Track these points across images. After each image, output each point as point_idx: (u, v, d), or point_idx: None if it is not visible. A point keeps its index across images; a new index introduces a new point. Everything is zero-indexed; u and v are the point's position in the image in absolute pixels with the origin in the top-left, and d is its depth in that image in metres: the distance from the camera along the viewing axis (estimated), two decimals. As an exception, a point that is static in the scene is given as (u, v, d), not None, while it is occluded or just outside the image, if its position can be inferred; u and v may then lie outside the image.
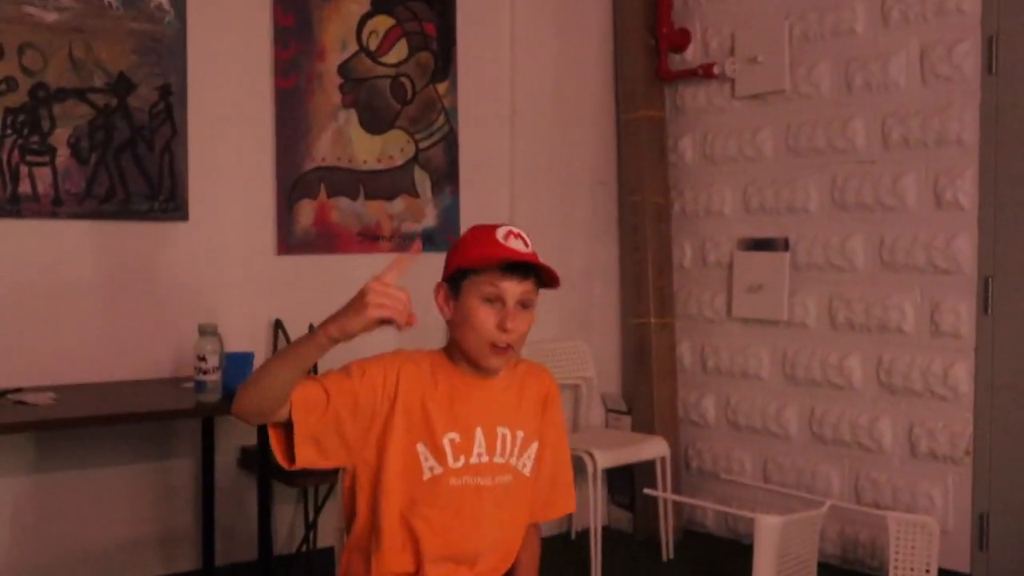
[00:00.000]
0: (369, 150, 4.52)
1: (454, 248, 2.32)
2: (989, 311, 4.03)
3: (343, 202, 4.45)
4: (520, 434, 2.32)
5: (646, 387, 4.99)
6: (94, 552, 3.95)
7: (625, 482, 4.98)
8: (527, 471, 2.33)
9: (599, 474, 4.40)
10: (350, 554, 2.35)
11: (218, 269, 4.17)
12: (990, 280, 4.02)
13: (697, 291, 5.03)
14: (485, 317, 2.22)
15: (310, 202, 4.38)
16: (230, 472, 4.18)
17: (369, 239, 4.52)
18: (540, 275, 2.26)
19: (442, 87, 4.71)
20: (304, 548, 4.24)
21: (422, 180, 4.65)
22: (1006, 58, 3.98)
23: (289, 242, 4.33)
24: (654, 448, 4.64)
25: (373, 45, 4.53)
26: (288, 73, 4.32)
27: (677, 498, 4.63)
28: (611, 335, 5.21)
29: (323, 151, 4.40)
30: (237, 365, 3.60)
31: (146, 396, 3.76)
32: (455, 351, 2.31)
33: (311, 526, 4.24)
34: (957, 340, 4.10)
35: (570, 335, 5.04)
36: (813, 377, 4.55)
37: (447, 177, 4.72)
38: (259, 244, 4.27)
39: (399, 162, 4.59)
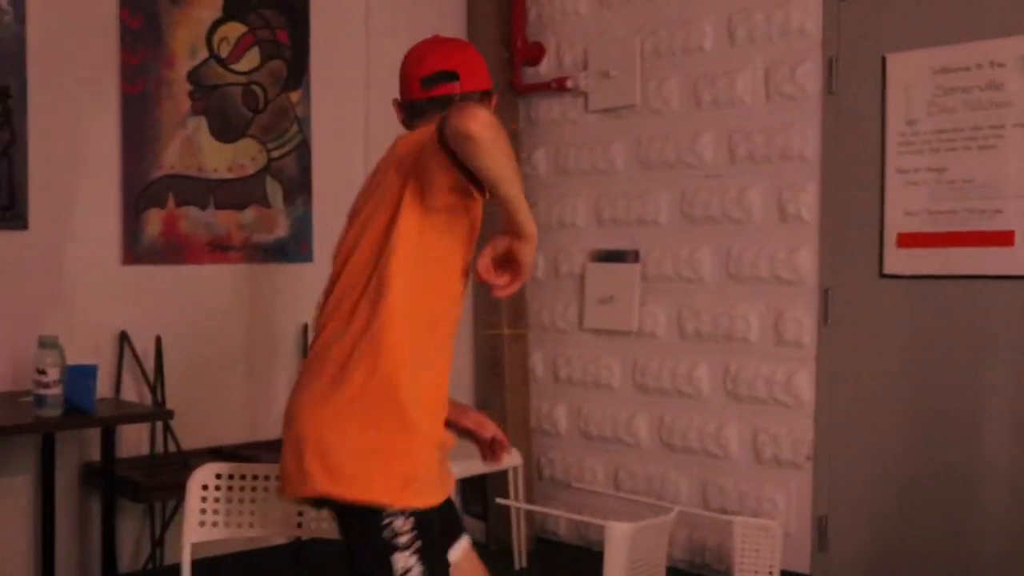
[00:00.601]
0: (219, 159, 4.44)
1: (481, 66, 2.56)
2: (829, 321, 4.18)
3: (192, 211, 4.36)
4: None
5: (499, 397, 5.02)
6: (-75, 575, 3.79)
7: (478, 492, 5.00)
8: None
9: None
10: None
11: (60, 279, 4.03)
12: (830, 291, 4.17)
13: (550, 302, 5.09)
14: None
15: (158, 211, 4.27)
16: (71, 489, 4.04)
17: (219, 249, 4.43)
18: None
19: (295, 96, 4.66)
20: (151, 566, 4.13)
21: (274, 190, 4.59)
22: (845, 78, 4.14)
23: (136, 252, 4.22)
24: (507, 458, 4.65)
25: (224, 52, 4.46)
26: (135, 78, 4.22)
27: (530, 507, 4.67)
28: (464, 346, 5.22)
29: (172, 159, 4.30)
30: (80, 378, 3.49)
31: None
32: None
33: (157, 543, 4.13)
34: (799, 349, 4.24)
35: (424, 346, 5.03)
36: (662, 386, 4.65)
37: (300, 187, 4.67)
38: (104, 254, 4.14)
39: (250, 171, 4.52)
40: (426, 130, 2.30)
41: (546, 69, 5.11)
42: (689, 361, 4.56)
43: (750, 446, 4.38)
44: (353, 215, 2.47)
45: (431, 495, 2.34)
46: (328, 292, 2.41)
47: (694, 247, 4.55)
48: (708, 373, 4.51)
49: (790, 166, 4.28)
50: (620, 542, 3.84)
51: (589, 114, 4.95)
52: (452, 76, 2.53)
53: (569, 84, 4.95)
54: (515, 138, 5.14)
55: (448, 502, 2.53)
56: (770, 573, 4.00)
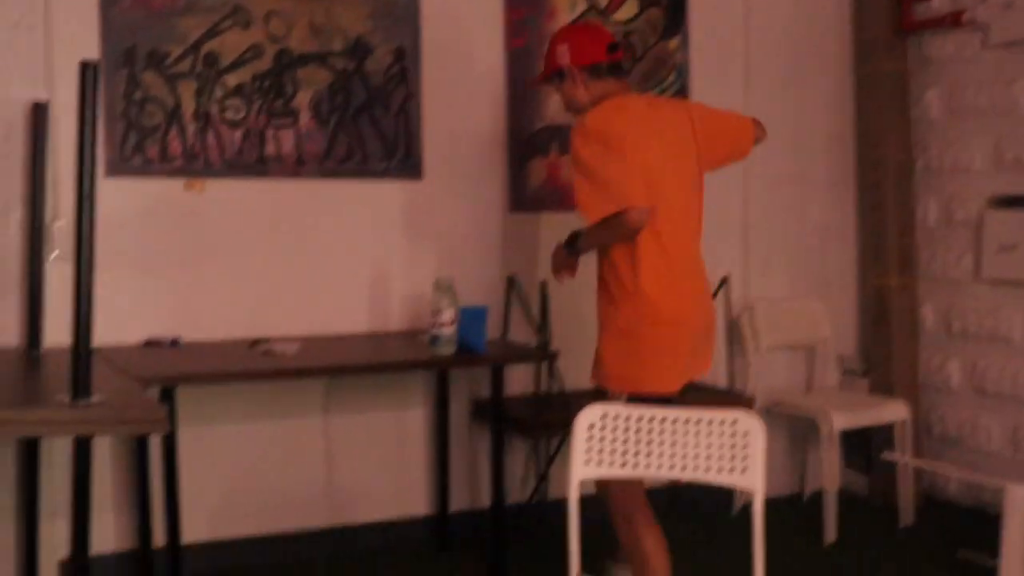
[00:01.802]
0: (599, 108, 4.50)
1: None
2: None
3: (574, 160, 4.45)
4: None
5: (885, 349, 4.82)
6: (335, 493, 4.13)
7: (861, 445, 4.83)
8: None
9: (834, 436, 4.28)
10: None
11: (452, 226, 4.26)
12: None
13: (942, 251, 4.80)
14: None
15: (541, 160, 4.40)
16: (463, 423, 4.28)
17: (599, 197, 4.50)
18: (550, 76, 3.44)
19: (672, 43, 4.64)
20: (536, 499, 4.30)
21: (653, 137, 4.60)
22: None
23: (520, 200, 4.37)
24: (893, 411, 4.47)
25: (603, 3, 4.50)
26: (519, 33, 4.35)
27: (919, 463, 4.46)
28: (848, 295, 5.05)
29: (553, 110, 4.41)
30: (472, 320, 3.67)
31: (384, 348, 3.90)
32: None
33: (543, 477, 4.30)
34: None
35: (805, 294, 4.91)
36: (1070, 341, 4.28)
37: (678, 134, 4.65)
38: (491, 202, 4.33)
39: (629, 119, 4.55)
40: (709, 113, 3.53)
41: (938, 3, 4.79)
42: (1102, 314, 4.16)
43: None
44: (678, 157, 3.31)
45: None
46: (675, 212, 3.24)
47: (1110, 189, 4.14)
48: (1124, 327, 4.10)
49: None
50: (1021, 505, 3.59)
51: (988, 49, 4.59)
52: (619, 46, 3.41)
53: (966, 18, 4.61)
54: (902, 79, 4.87)
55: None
56: None
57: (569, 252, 3.37)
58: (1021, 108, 4.46)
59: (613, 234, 3.20)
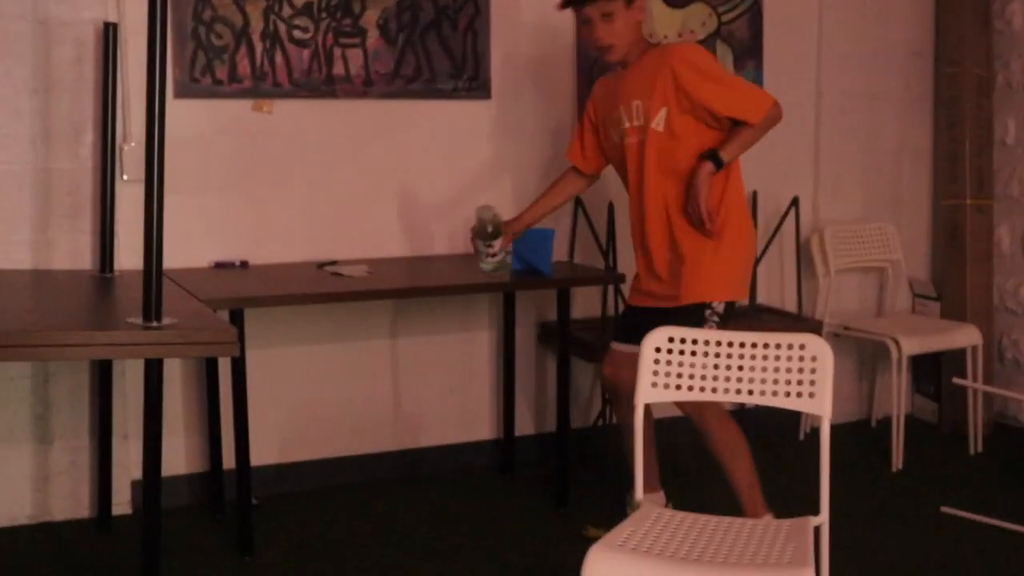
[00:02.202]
0: (669, 24, 4.41)
1: None
2: None
3: (643, 79, 4.37)
4: (648, 103, 3.27)
5: (958, 272, 4.72)
6: (402, 416, 4.17)
7: (931, 370, 4.77)
8: (661, 128, 3.26)
9: (904, 361, 4.23)
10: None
11: (520, 146, 4.22)
12: None
13: (1020, 171, 4.67)
14: (585, 36, 3.43)
15: (610, 79, 4.33)
16: (529, 346, 4.29)
17: (668, 117, 4.43)
18: None
19: (748, -47, 4.52)
20: (600, 422, 4.31)
21: (724, 54, 4.51)
22: None
23: (588, 120, 4.31)
24: (965, 336, 4.40)
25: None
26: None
27: (990, 389, 4.39)
28: (921, 216, 4.95)
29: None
30: (538, 242, 3.65)
31: (450, 270, 3.90)
32: None
33: (608, 401, 4.30)
34: None
35: (877, 216, 4.82)
36: None
37: (750, 51, 4.56)
38: (560, 121, 4.28)
39: (701, 36, 4.47)
40: None
41: (1025, -89, 4.61)
42: None
43: None
44: None
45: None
46: None
47: None
48: None
49: None
50: (1094, 433, 3.53)
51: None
52: None
53: (1052, -73, 4.44)
54: (986, -9, 4.71)
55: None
56: None
57: (718, 168, 3.22)
58: (1110, 23, 4.30)
59: (762, 134, 3.28)
